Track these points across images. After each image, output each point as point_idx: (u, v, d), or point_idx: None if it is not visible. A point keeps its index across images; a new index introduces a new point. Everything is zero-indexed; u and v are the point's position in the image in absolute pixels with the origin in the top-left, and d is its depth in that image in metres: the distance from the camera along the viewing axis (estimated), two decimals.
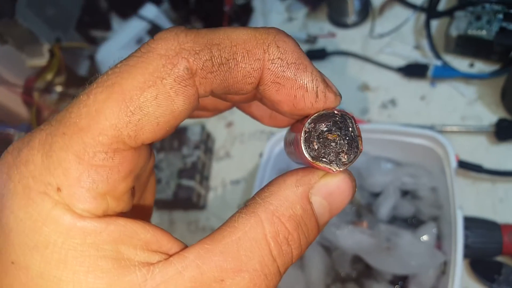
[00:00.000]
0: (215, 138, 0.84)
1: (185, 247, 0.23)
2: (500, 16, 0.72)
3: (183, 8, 0.90)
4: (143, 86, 0.20)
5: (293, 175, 0.24)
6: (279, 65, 0.23)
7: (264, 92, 0.24)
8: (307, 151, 0.24)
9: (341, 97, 0.25)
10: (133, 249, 0.21)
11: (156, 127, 0.21)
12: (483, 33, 0.72)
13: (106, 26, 0.99)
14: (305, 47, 0.87)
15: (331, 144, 0.24)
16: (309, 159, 0.24)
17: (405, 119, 0.75)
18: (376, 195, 0.65)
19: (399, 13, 0.84)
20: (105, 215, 0.21)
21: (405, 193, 0.65)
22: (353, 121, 0.25)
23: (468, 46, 0.75)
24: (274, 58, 0.23)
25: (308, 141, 0.24)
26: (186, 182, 0.73)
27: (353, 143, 0.24)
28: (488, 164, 0.67)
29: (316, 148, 0.24)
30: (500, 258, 0.62)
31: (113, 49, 0.89)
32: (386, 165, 0.66)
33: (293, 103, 0.24)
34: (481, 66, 0.76)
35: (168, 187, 0.73)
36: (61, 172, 0.20)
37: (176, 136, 0.77)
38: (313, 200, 0.24)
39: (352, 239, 0.59)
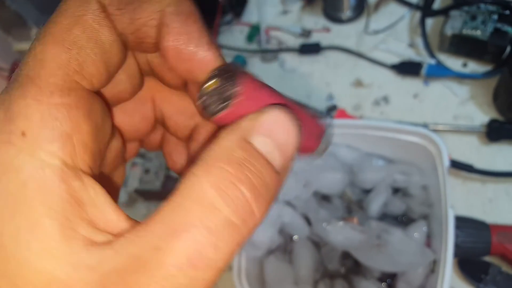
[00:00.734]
0: None
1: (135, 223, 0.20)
2: (495, 16, 0.72)
3: None
4: (69, 26, 0.21)
5: (222, 130, 0.22)
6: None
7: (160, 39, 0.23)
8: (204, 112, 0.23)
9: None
10: (81, 221, 0.19)
11: (95, 59, 0.21)
12: (478, 33, 0.72)
13: None
14: (299, 41, 0.87)
15: (216, 91, 0.22)
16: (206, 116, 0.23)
17: (398, 117, 0.75)
18: (367, 191, 0.65)
19: (394, 10, 0.84)
20: (73, 167, 0.19)
21: (396, 190, 0.65)
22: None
23: (462, 45, 0.75)
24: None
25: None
26: (175, 173, 0.72)
27: (230, 78, 0.22)
28: (478, 164, 0.67)
29: (208, 102, 0.22)
30: (488, 258, 0.63)
31: None
32: (377, 162, 0.66)
33: (180, 55, 0.23)
34: (474, 66, 0.76)
35: (157, 178, 0.72)
36: (23, 117, 0.19)
37: None
38: (253, 140, 0.21)
39: (343, 235, 0.59)
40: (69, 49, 0.20)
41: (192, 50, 0.23)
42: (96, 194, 0.19)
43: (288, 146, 0.21)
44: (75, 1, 0.21)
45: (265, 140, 0.21)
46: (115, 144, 0.28)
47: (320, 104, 0.79)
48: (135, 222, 0.20)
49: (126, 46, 0.24)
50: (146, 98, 0.29)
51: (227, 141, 0.20)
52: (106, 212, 0.19)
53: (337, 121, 0.68)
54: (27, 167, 0.18)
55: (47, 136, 0.19)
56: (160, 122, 0.30)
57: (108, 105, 0.25)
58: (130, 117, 0.29)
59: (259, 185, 0.19)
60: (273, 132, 0.21)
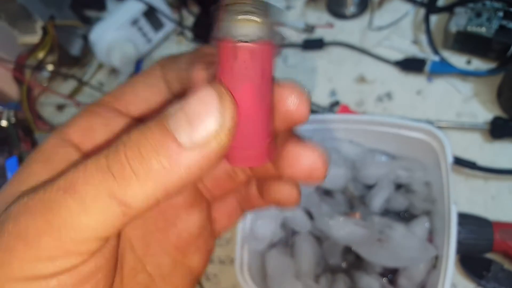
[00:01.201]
0: None
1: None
2: (501, 14, 0.72)
3: None
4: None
5: None
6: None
7: None
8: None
9: None
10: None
11: (133, 92, 0.27)
12: (483, 30, 0.72)
13: (101, 6, 0.97)
14: (302, 36, 0.87)
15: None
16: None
17: (401, 113, 0.75)
18: (369, 187, 0.65)
19: (399, 6, 0.84)
20: (72, 143, 0.25)
21: (399, 186, 0.65)
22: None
23: (466, 42, 0.75)
24: None
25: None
26: None
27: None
28: (481, 161, 0.67)
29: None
30: (490, 255, 0.62)
31: (107, 30, 0.87)
32: (380, 158, 0.66)
33: None
34: (478, 64, 0.76)
35: None
36: (72, 116, 0.27)
37: None
38: (169, 114, 0.21)
39: (345, 229, 0.59)
40: (121, 87, 0.28)
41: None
42: (73, 159, 0.24)
43: (200, 118, 0.20)
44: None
45: (177, 113, 0.20)
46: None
47: (323, 99, 0.79)
48: None
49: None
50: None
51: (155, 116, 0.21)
52: None
53: (340, 116, 0.68)
54: (51, 137, 0.25)
55: (69, 124, 0.26)
56: None
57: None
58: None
59: (145, 151, 0.20)
60: (189, 104, 0.21)
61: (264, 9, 0.21)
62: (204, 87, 0.21)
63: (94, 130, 0.25)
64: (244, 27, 0.21)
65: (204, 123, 0.20)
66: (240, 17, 0.20)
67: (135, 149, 0.20)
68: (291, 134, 0.26)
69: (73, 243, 0.20)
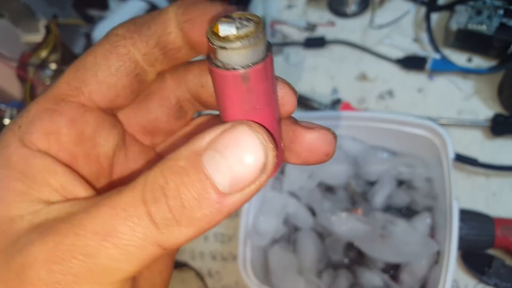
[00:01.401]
0: None
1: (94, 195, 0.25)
2: (501, 11, 0.72)
3: None
4: (88, 52, 0.25)
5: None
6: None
7: (186, 39, 0.24)
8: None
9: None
10: (47, 187, 0.23)
11: (96, 80, 0.24)
12: (483, 28, 0.72)
13: (104, 5, 0.97)
14: (304, 34, 0.87)
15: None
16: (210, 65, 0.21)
17: (402, 111, 0.76)
18: (371, 183, 0.65)
19: (400, 5, 0.84)
20: (43, 151, 0.24)
21: (400, 182, 0.65)
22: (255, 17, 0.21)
23: (467, 40, 0.75)
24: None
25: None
26: None
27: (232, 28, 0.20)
28: (482, 158, 0.67)
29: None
30: (491, 252, 0.63)
31: (110, 29, 0.87)
32: (382, 154, 0.67)
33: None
34: (479, 61, 0.76)
35: None
36: (25, 115, 0.24)
37: None
38: (204, 154, 0.20)
39: (347, 225, 0.59)
40: (77, 70, 0.25)
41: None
42: (54, 168, 0.24)
43: (243, 166, 0.20)
44: (103, 40, 0.25)
45: (215, 156, 0.20)
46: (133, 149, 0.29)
47: (324, 97, 0.80)
48: (93, 194, 0.24)
49: (145, 66, 0.25)
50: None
51: (183, 150, 0.21)
52: (63, 182, 0.23)
53: (342, 113, 0.69)
54: (12, 147, 0.23)
55: (30, 129, 0.24)
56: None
57: (118, 124, 0.28)
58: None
59: (187, 200, 0.20)
60: (227, 148, 0.20)
61: (253, 23, 0.20)
62: (237, 126, 0.21)
63: (60, 133, 0.24)
64: (241, 54, 0.20)
65: (246, 169, 0.20)
66: (234, 45, 0.20)
67: (178, 199, 0.20)
68: (291, 119, 0.26)
69: (111, 285, 0.20)
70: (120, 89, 0.25)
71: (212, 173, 0.20)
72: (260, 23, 0.20)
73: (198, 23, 0.23)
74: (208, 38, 0.20)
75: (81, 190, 0.24)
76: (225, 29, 0.20)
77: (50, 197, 0.23)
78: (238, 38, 0.20)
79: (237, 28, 0.20)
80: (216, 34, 0.20)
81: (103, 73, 0.25)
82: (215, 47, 0.20)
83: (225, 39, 0.20)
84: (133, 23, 0.25)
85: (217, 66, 0.20)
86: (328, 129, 0.26)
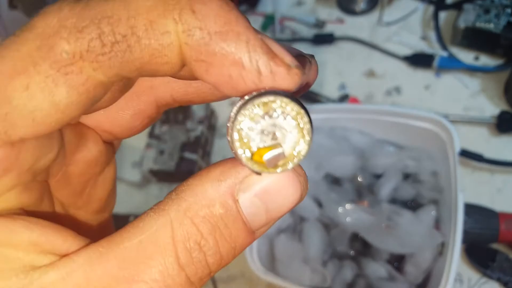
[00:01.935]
0: (218, 115, 0.84)
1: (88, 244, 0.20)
2: (509, 10, 0.73)
3: None
4: (13, 73, 0.17)
5: (220, 165, 0.20)
6: (199, 37, 0.17)
7: (194, 73, 0.19)
8: (234, 141, 0.19)
9: (301, 70, 0.19)
10: (14, 250, 0.18)
11: (32, 123, 0.18)
12: (491, 26, 0.73)
13: None
14: (313, 31, 0.88)
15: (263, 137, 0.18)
16: (237, 151, 0.19)
17: (409, 107, 0.77)
18: (378, 176, 0.66)
19: (408, 3, 0.85)
20: None
21: (406, 176, 0.66)
22: (297, 127, 0.18)
23: (474, 38, 0.76)
24: (191, 28, 0.17)
25: (234, 131, 0.18)
26: (188, 155, 0.74)
27: (280, 155, 0.19)
28: (487, 155, 0.68)
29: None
30: (495, 246, 0.63)
31: None
32: (389, 148, 0.67)
33: (231, 85, 0.18)
34: (486, 60, 0.77)
35: (171, 159, 0.73)
36: None
37: (180, 110, 0.78)
38: (242, 198, 0.19)
39: (353, 216, 0.60)
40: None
41: (252, 83, 0.18)
42: (8, 228, 0.19)
43: (280, 212, 0.20)
44: (37, 39, 0.17)
45: (255, 202, 0.19)
46: (84, 155, 0.24)
47: (332, 93, 0.81)
48: (85, 241, 0.20)
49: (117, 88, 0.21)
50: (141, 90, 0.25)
51: (212, 189, 0.19)
52: (48, 235, 0.19)
53: (350, 106, 0.70)
54: None
55: None
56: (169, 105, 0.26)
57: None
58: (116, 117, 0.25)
59: (226, 251, 0.19)
60: (268, 194, 0.19)
61: (295, 125, 0.18)
62: (287, 174, 0.19)
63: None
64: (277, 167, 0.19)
65: (283, 212, 0.20)
66: (278, 170, 0.19)
67: (217, 255, 0.19)
68: None
69: None
70: (65, 121, 0.19)
71: (250, 221, 0.19)
72: (304, 120, 0.18)
73: (216, 66, 0.18)
74: (244, 162, 0.19)
75: (63, 240, 0.19)
76: (271, 158, 0.18)
77: (35, 262, 0.19)
78: (283, 165, 0.19)
79: (279, 146, 0.18)
80: (254, 158, 0.18)
81: (42, 113, 0.18)
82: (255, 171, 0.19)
83: (266, 167, 0.18)
84: (98, 35, 0.17)
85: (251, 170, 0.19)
86: None
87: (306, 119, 0.18)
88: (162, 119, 0.78)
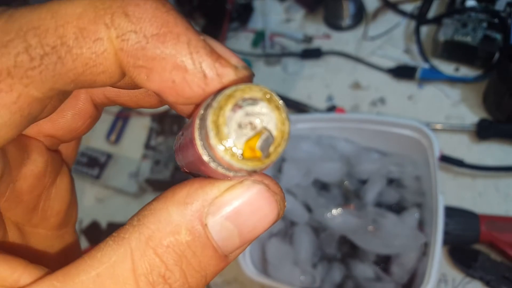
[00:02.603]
0: None
1: (43, 276, 0.18)
2: (484, 24, 0.77)
3: (187, 4, 0.94)
4: None
5: (186, 186, 0.18)
6: (134, 42, 0.16)
7: (134, 80, 0.17)
8: (200, 141, 0.17)
9: (248, 69, 0.18)
10: None
11: None
12: (469, 39, 0.77)
13: None
14: (301, 46, 0.92)
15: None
16: (205, 159, 0.17)
17: (393, 117, 0.80)
18: (363, 182, 0.69)
19: (391, 18, 0.90)
20: None
21: (390, 181, 0.69)
22: (270, 105, 0.17)
23: (454, 51, 0.80)
24: (125, 32, 0.16)
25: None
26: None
27: (269, 139, 0.17)
28: (469, 160, 0.71)
29: None
30: (477, 246, 0.66)
31: None
32: (373, 155, 0.71)
33: (176, 91, 0.17)
34: (465, 71, 0.81)
35: (167, 169, 0.76)
36: None
37: (175, 121, 0.81)
38: (211, 222, 0.17)
39: (340, 219, 0.63)
40: None
41: (199, 88, 0.17)
42: None
43: (255, 233, 0.18)
44: None
45: (226, 225, 0.17)
46: (30, 168, 0.23)
47: (320, 104, 0.84)
48: (39, 271, 0.18)
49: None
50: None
51: (178, 215, 0.17)
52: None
53: (336, 115, 0.73)
54: None
55: None
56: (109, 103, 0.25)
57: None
58: (58, 120, 0.23)
59: (195, 282, 0.18)
60: (240, 216, 0.18)
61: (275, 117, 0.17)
62: (253, 187, 0.18)
63: None
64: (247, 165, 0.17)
65: (258, 233, 0.18)
66: (263, 165, 0.17)
67: (185, 286, 0.17)
68: None
69: None
70: (6, 139, 0.18)
71: (222, 246, 0.18)
72: (281, 109, 0.17)
73: (157, 71, 0.17)
74: (239, 167, 0.17)
75: (11, 272, 0.18)
76: (263, 146, 0.17)
77: None
78: (275, 150, 0.17)
79: (266, 141, 0.17)
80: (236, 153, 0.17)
81: None
82: (234, 166, 0.17)
83: (261, 158, 0.17)
84: (25, 49, 0.16)
85: (219, 169, 0.17)
86: None
87: (275, 96, 0.17)
88: (157, 130, 0.81)
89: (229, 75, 0.17)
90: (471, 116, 0.77)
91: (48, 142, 0.24)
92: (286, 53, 0.92)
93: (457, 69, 0.81)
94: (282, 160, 0.68)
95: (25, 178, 0.22)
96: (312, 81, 0.88)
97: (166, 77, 0.16)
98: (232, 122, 0.16)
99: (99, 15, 0.16)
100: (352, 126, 0.70)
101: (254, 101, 0.17)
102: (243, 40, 0.97)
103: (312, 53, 0.89)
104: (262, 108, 0.17)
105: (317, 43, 0.92)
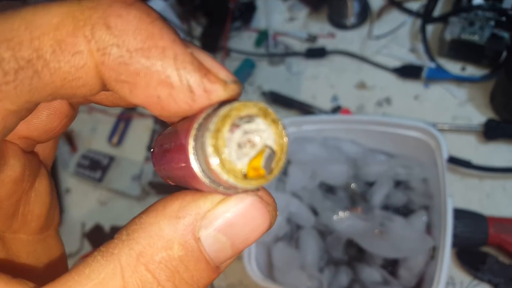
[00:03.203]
0: None
1: None
2: (492, 22, 0.76)
3: (189, 4, 0.93)
4: None
5: (178, 199, 0.17)
6: (116, 56, 0.15)
7: (117, 94, 0.17)
8: (197, 163, 0.16)
9: (238, 83, 0.17)
10: None
11: None
12: (476, 38, 0.76)
13: None
14: (305, 45, 0.91)
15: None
16: (205, 182, 0.16)
17: (399, 117, 0.79)
18: (370, 184, 0.69)
19: (396, 17, 0.88)
20: None
21: (398, 183, 0.68)
22: (267, 120, 0.17)
23: (460, 50, 0.79)
24: (106, 46, 0.15)
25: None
26: None
27: (271, 156, 0.17)
28: (476, 161, 0.70)
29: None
30: (485, 249, 0.66)
31: None
32: (380, 157, 0.70)
33: (161, 107, 0.16)
34: (472, 70, 0.80)
35: None
36: None
37: None
38: (204, 235, 0.17)
39: (347, 222, 0.62)
40: None
41: (185, 104, 0.16)
42: None
43: (247, 243, 0.18)
44: None
45: (219, 237, 0.17)
46: (8, 174, 0.22)
47: (325, 104, 0.83)
48: (22, 286, 0.17)
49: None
50: None
51: (170, 230, 0.17)
52: None
53: (342, 117, 0.72)
54: None
55: None
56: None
57: None
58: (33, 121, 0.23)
59: None
60: (233, 228, 0.17)
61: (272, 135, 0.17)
62: (246, 199, 0.17)
63: None
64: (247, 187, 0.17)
65: (250, 243, 0.18)
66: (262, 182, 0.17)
67: None
68: None
69: None
70: None
71: (214, 258, 0.17)
72: (278, 124, 0.17)
73: (141, 87, 0.16)
74: (244, 188, 0.16)
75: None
76: (266, 164, 0.17)
77: None
78: (276, 165, 0.17)
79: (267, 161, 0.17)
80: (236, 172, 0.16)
81: None
82: (234, 185, 0.16)
83: (265, 175, 0.17)
84: None
85: (220, 189, 0.17)
86: None
87: (270, 109, 0.17)
88: (160, 132, 0.80)
89: (218, 91, 0.16)
90: (478, 116, 0.76)
91: (24, 144, 0.23)
92: (290, 53, 0.91)
93: (463, 69, 0.80)
94: (287, 162, 0.68)
95: (3, 185, 0.21)
96: (317, 81, 0.87)
97: (151, 93, 0.16)
98: (232, 143, 0.16)
99: (78, 26, 0.15)
100: (358, 127, 0.69)
101: (250, 118, 0.16)
102: (246, 39, 0.96)
103: (317, 53, 0.88)
104: (259, 124, 0.17)
105: (321, 43, 0.91)
